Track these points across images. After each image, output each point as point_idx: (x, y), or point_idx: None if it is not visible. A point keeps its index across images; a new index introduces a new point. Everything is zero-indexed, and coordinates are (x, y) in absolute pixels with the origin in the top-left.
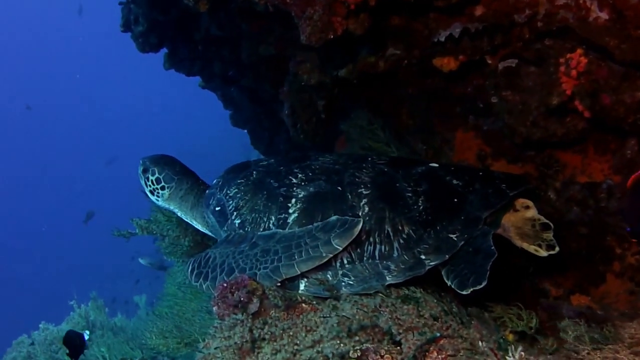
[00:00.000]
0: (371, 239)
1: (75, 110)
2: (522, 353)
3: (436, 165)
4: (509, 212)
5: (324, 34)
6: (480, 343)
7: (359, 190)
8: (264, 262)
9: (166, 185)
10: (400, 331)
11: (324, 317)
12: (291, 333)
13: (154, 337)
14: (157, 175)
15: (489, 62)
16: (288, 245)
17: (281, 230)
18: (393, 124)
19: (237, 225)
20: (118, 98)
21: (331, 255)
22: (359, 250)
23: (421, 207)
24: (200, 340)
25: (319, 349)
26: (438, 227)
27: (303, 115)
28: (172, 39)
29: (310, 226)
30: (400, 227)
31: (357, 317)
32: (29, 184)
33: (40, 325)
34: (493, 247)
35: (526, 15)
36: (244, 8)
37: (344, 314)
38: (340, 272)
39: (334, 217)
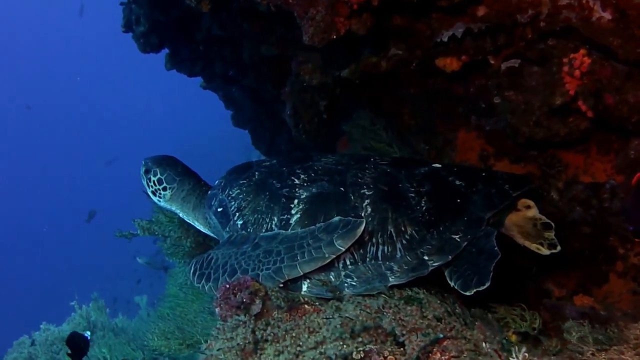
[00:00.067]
0: (374, 240)
1: (76, 110)
2: (526, 354)
3: (439, 165)
4: (512, 212)
5: (326, 35)
6: (483, 344)
7: (362, 191)
8: (267, 263)
9: (168, 186)
10: (404, 332)
11: (326, 318)
12: (294, 334)
13: (155, 339)
14: (159, 176)
15: (492, 62)
16: (290, 246)
17: (284, 231)
18: (395, 124)
19: (239, 226)
20: (119, 98)
21: (334, 256)
22: (361, 251)
23: (424, 208)
24: (203, 341)
25: (322, 350)
26: (441, 228)
27: (305, 116)
28: (173, 40)
29: (313, 227)
30: (403, 228)
31: (360, 318)
32: (30, 184)
33: (41, 326)
34: (496, 248)
35: (529, 16)
36: (245, 8)
37: (347, 315)
38: (343, 273)
39: (336, 218)
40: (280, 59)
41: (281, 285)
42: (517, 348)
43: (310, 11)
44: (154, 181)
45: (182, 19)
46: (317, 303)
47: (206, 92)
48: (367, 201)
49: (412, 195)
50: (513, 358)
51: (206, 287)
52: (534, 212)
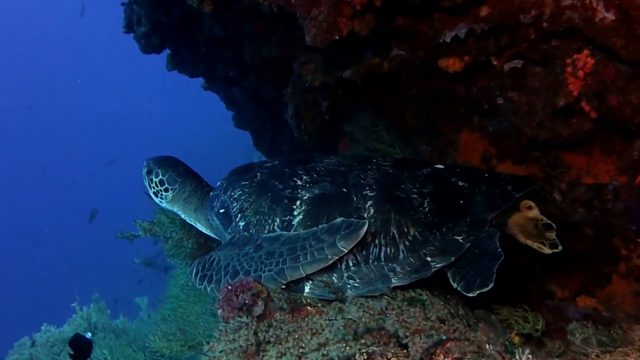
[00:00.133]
0: (377, 241)
1: (77, 110)
2: (530, 356)
3: (442, 166)
4: (514, 212)
5: (329, 35)
6: (487, 346)
7: (364, 192)
8: (269, 265)
9: (170, 187)
10: (407, 334)
11: (329, 319)
12: (296, 336)
13: (157, 340)
14: (160, 177)
15: (495, 63)
16: (293, 248)
17: (286, 232)
18: (397, 125)
19: (241, 227)
20: (120, 99)
21: (336, 258)
22: (364, 252)
23: (427, 209)
24: (205, 343)
25: (325, 352)
26: (444, 229)
27: (307, 117)
28: (175, 40)
29: (316, 228)
30: (405, 229)
31: (363, 319)
32: (31, 185)
33: (42, 327)
34: (499, 249)
35: (532, 16)
36: (247, 9)
37: (349, 316)
38: (345, 275)
39: (339, 219)
40: (281, 60)
41: (283, 286)
42: (520, 350)
43: (312, 11)
44: (155, 182)
45: (183, 20)
46: (319, 304)
47: (207, 93)
48: (369, 202)
49: (415, 196)
50: None
51: (208, 289)
52: (535, 212)
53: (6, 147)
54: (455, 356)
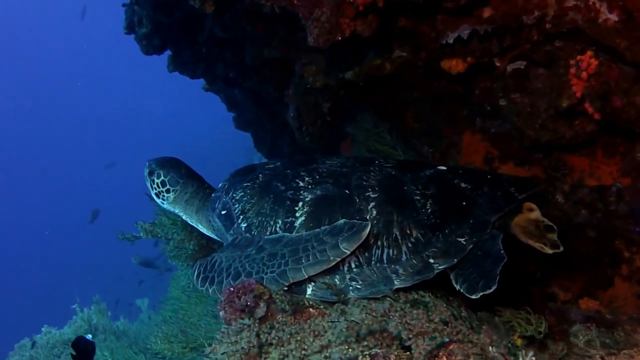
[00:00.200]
0: (379, 243)
1: (78, 112)
2: (533, 358)
3: (444, 168)
4: (517, 215)
5: (331, 36)
6: (490, 348)
7: (367, 194)
8: (271, 266)
9: (171, 189)
10: (410, 336)
11: (332, 321)
12: (299, 338)
13: (159, 342)
14: (162, 178)
15: (498, 64)
16: (295, 249)
17: (288, 234)
18: (399, 127)
19: (243, 228)
20: (120, 100)
21: (339, 259)
22: (366, 254)
23: (429, 211)
24: (206, 345)
25: (327, 354)
26: (446, 231)
27: (308, 118)
28: (176, 41)
29: (318, 230)
30: (408, 231)
31: (365, 321)
32: (31, 187)
33: (43, 329)
34: (502, 251)
35: (535, 17)
36: (249, 10)
37: (352, 318)
38: (347, 276)
39: (341, 221)
40: (282, 61)
41: (285, 288)
42: (524, 352)
43: (315, 12)
44: (157, 183)
45: (184, 21)
46: (321, 306)
47: (208, 95)
48: (372, 204)
49: (418, 197)
50: None
51: (210, 291)
52: (536, 214)
53: (7, 149)
54: (458, 358)
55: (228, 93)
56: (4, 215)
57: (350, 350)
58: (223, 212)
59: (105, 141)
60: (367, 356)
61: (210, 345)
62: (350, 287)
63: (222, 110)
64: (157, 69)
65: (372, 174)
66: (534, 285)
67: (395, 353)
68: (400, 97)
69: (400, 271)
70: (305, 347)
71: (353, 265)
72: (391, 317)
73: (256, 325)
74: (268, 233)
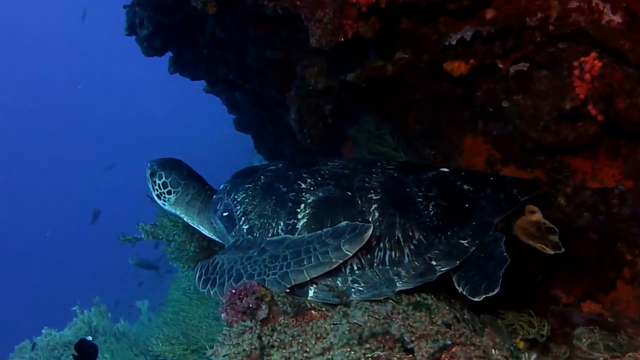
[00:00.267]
0: (381, 245)
1: (78, 113)
2: None
3: (447, 170)
4: (519, 217)
5: (334, 37)
6: (493, 351)
7: (369, 196)
8: (273, 268)
9: (173, 190)
10: (413, 339)
11: (334, 324)
12: (301, 340)
13: (159, 344)
14: (164, 179)
15: (500, 66)
16: (297, 251)
17: (290, 236)
18: (401, 129)
19: (245, 230)
20: (121, 101)
21: (341, 261)
22: (369, 256)
23: (432, 213)
24: (207, 347)
25: (329, 357)
26: (449, 233)
27: (310, 120)
28: (177, 43)
29: (320, 232)
30: (410, 233)
31: (368, 324)
32: (32, 188)
33: (43, 331)
34: (505, 254)
35: (538, 19)
36: (251, 11)
37: (354, 320)
38: (350, 278)
39: (343, 223)
40: (284, 63)
41: (287, 290)
42: (527, 355)
43: (317, 13)
44: (159, 184)
45: (186, 22)
46: (323, 309)
47: (208, 96)
48: (374, 206)
49: (420, 199)
50: None
51: (211, 292)
52: (538, 216)
53: (8, 150)
54: None
55: (229, 95)
56: (5, 216)
57: (352, 352)
58: (225, 214)
59: (106, 142)
60: (370, 359)
61: (211, 347)
62: (353, 289)
63: (222, 112)
64: (157, 70)
65: (374, 175)
66: (536, 287)
67: (398, 356)
68: (402, 99)
69: (403, 273)
70: (307, 349)
71: (355, 267)
72: (394, 319)
73: (258, 327)
74: (270, 235)
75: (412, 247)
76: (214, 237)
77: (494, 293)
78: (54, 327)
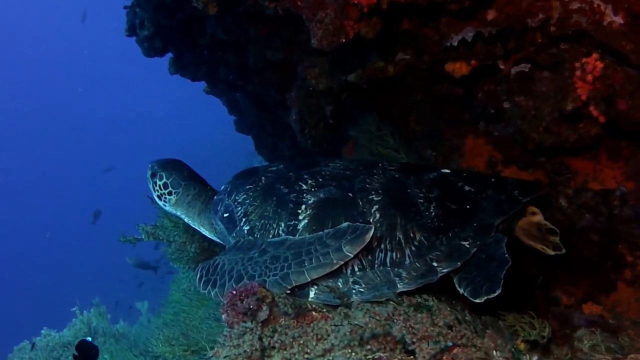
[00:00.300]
0: (382, 246)
1: (79, 114)
2: None
3: (448, 171)
4: (521, 218)
5: (335, 38)
6: (494, 352)
7: (370, 197)
8: (274, 269)
9: (173, 191)
10: (414, 340)
11: (335, 325)
12: (301, 342)
13: (160, 345)
14: (164, 180)
15: (502, 67)
16: (298, 252)
17: (291, 237)
18: (402, 130)
19: (246, 231)
20: (121, 102)
21: (342, 262)
22: (370, 257)
23: (433, 214)
24: (208, 348)
25: (330, 358)
26: (450, 234)
27: (311, 121)
28: (177, 44)
29: (321, 233)
30: (411, 234)
31: (369, 325)
32: (32, 189)
33: (42, 331)
34: (507, 255)
35: (539, 20)
36: (252, 12)
37: (356, 322)
38: (351, 280)
39: (345, 224)
40: (285, 64)
41: (288, 291)
42: (528, 356)
43: (319, 14)
44: (159, 185)
45: (186, 23)
46: (324, 310)
47: (208, 97)
48: (375, 207)
49: (421, 201)
50: None
51: (212, 293)
52: (539, 218)
53: (8, 150)
54: None
55: (229, 96)
56: (5, 216)
57: (353, 354)
58: (225, 215)
59: (107, 143)
60: None
61: (212, 348)
62: (353, 291)
63: (222, 113)
64: (158, 71)
65: (375, 177)
66: (537, 289)
67: (399, 357)
68: (404, 100)
69: (404, 274)
70: (308, 350)
71: (356, 269)
72: (395, 320)
73: (259, 328)
74: (271, 236)
75: (413, 248)
76: (214, 238)
77: (496, 295)
78: (53, 328)
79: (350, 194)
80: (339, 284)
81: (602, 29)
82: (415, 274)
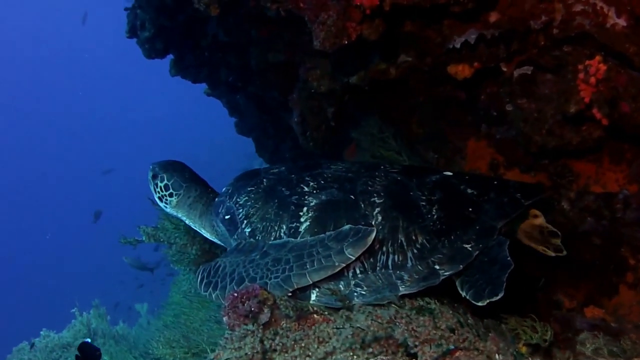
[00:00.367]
0: (384, 249)
1: (79, 115)
2: None
3: (450, 173)
4: (523, 221)
5: (338, 39)
6: (497, 356)
7: (372, 199)
8: (275, 272)
9: (174, 192)
10: (417, 343)
11: (336, 328)
12: (303, 344)
13: (160, 347)
14: (165, 181)
15: (504, 69)
16: (300, 255)
17: (293, 239)
18: (404, 132)
19: (247, 233)
20: (122, 103)
21: (344, 265)
22: (372, 259)
23: (435, 216)
24: (209, 350)
25: None
26: (452, 237)
27: (312, 123)
28: (178, 45)
29: (323, 235)
30: (414, 237)
31: (371, 328)
32: (32, 190)
33: (42, 332)
34: (509, 258)
35: (542, 22)
36: (253, 13)
37: (357, 325)
38: (352, 282)
39: (346, 226)
40: (287, 65)
41: (290, 294)
42: None
43: (321, 15)
44: (160, 187)
45: (187, 25)
46: (326, 312)
47: (209, 99)
48: (377, 209)
49: (423, 203)
50: None
51: (213, 296)
52: (541, 220)
53: (9, 152)
54: None
55: (230, 98)
56: (5, 217)
57: (355, 357)
58: (227, 217)
59: (107, 144)
60: None
61: (213, 350)
62: (355, 293)
63: (223, 115)
64: (159, 73)
65: (377, 179)
66: (539, 292)
67: None
68: (406, 102)
69: (406, 277)
70: (310, 353)
71: (358, 271)
72: (397, 323)
73: (260, 331)
74: (272, 238)
75: (415, 251)
76: (215, 240)
77: (498, 298)
78: (52, 329)
79: (352, 196)
80: (341, 286)
81: (605, 31)
82: (417, 276)
